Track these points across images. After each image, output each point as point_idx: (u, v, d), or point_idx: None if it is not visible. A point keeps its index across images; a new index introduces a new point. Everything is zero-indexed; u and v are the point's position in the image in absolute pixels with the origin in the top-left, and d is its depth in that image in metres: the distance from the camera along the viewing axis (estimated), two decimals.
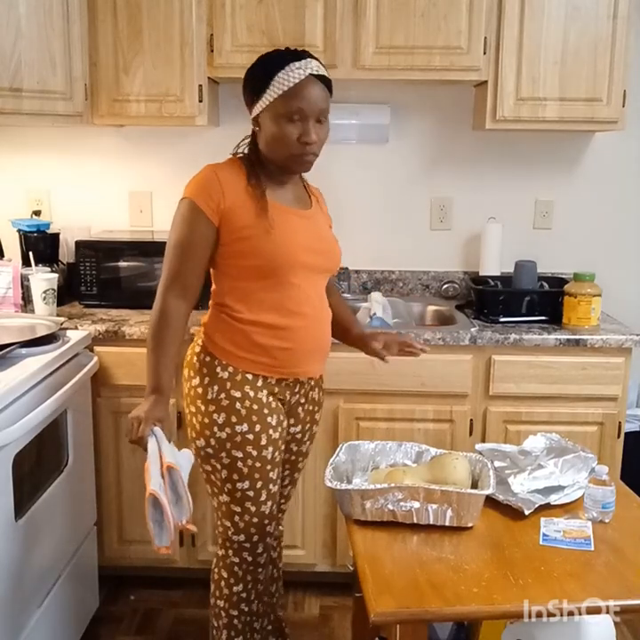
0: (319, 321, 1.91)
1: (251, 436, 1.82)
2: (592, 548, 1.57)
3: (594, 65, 2.53)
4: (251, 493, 1.86)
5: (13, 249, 2.76)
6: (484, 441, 2.43)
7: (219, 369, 1.83)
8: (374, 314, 2.66)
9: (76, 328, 2.43)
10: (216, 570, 1.98)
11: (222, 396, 1.82)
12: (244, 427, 1.81)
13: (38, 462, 2.11)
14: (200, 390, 1.85)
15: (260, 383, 1.84)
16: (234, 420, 1.81)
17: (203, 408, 1.84)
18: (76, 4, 2.48)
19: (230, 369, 1.83)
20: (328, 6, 2.49)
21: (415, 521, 1.63)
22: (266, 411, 1.84)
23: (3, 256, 2.77)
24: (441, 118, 2.91)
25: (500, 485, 1.74)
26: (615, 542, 1.61)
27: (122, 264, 2.66)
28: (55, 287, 2.54)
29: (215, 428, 1.82)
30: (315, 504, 2.55)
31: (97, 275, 2.65)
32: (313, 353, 1.90)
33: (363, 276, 3.00)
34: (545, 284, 2.71)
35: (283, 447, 1.93)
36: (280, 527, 2.17)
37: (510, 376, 2.46)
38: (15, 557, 1.91)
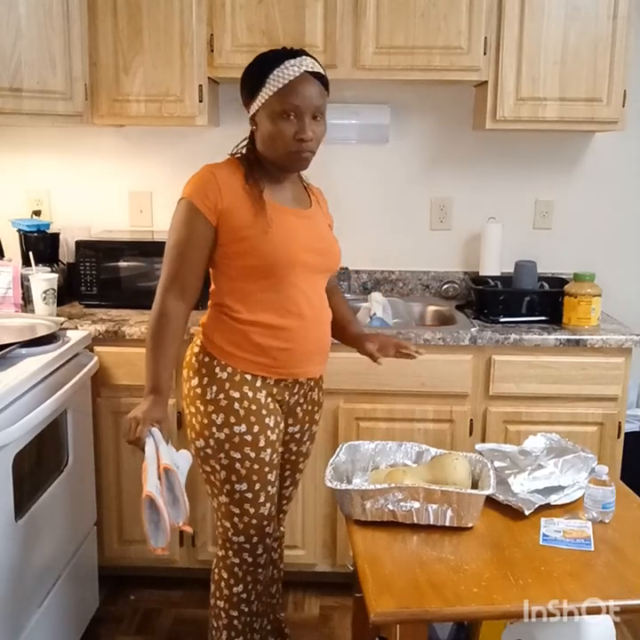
0: (319, 321, 1.90)
1: (249, 437, 1.82)
2: (592, 549, 1.57)
3: (594, 65, 2.53)
4: (249, 495, 1.86)
5: (13, 249, 2.76)
6: (483, 441, 2.43)
7: (217, 369, 1.83)
8: (374, 314, 2.66)
9: (76, 328, 2.43)
10: (216, 570, 1.98)
11: (221, 396, 1.82)
12: (243, 427, 1.81)
13: (38, 462, 2.11)
14: (199, 391, 1.84)
15: (258, 384, 1.84)
16: (232, 420, 1.81)
17: (202, 408, 1.84)
18: (75, 4, 2.48)
19: (229, 369, 1.82)
20: (328, 6, 2.49)
21: (415, 521, 1.63)
22: (264, 411, 1.84)
23: (3, 256, 2.77)
24: (441, 118, 2.91)
25: (500, 485, 1.74)
26: (615, 542, 1.61)
27: (122, 264, 2.66)
28: (55, 287, 2.54)
29: (214, 429, 1.82)
30: (315, 504, 2.55)
31: (97, 275, 2.65)
32: (312, 354, 1.90)
33: (363, 276, 3.00)
34: (545, 284, 2.70)
35: (280, 449, 1.93)
36: (281, 528, 2.16)
37: (510, 376, 2.46)
38: (15, 557, 1.91)
